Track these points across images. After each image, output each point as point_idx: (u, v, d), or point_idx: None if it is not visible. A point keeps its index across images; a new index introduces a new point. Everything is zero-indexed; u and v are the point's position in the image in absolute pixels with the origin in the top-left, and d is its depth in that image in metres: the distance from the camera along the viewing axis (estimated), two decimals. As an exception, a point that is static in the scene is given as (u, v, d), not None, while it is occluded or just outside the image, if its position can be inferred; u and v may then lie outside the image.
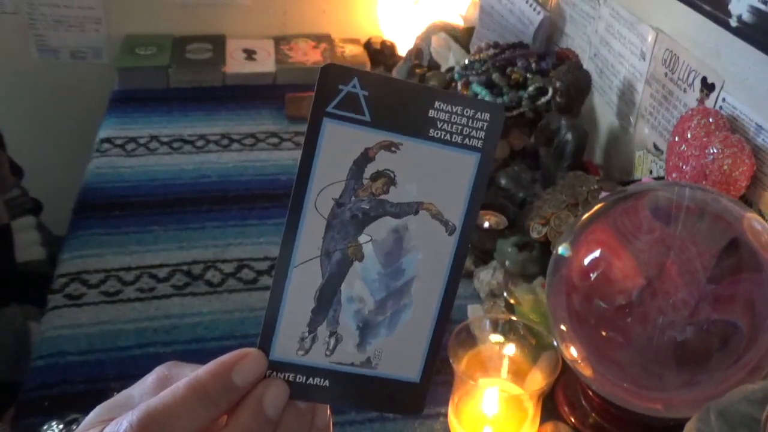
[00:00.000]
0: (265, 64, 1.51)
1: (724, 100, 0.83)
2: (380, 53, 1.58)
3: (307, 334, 0.36)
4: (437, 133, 0.35)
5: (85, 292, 0.93)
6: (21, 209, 1.30)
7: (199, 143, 1.28)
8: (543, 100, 1.07)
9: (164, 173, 1.19)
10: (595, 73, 1.14)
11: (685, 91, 0.91)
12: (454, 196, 0.36)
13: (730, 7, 0.79)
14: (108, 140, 1.27)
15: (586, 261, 0.68)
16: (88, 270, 0.97)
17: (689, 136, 0.80)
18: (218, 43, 1.55)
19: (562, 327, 0.68)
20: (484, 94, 1.10)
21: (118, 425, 0.33)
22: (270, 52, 1.55)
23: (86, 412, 0.36)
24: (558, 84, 1.02)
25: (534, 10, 1.25)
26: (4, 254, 1.11)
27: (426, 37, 1.43)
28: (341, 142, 0.35)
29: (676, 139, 0.83)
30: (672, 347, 0.63)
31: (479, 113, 0.35)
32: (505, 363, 0.75)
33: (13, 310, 1.09)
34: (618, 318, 0.65)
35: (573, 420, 0.75)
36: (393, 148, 0.35)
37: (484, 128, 0.36)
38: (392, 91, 0.35)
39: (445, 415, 0.75)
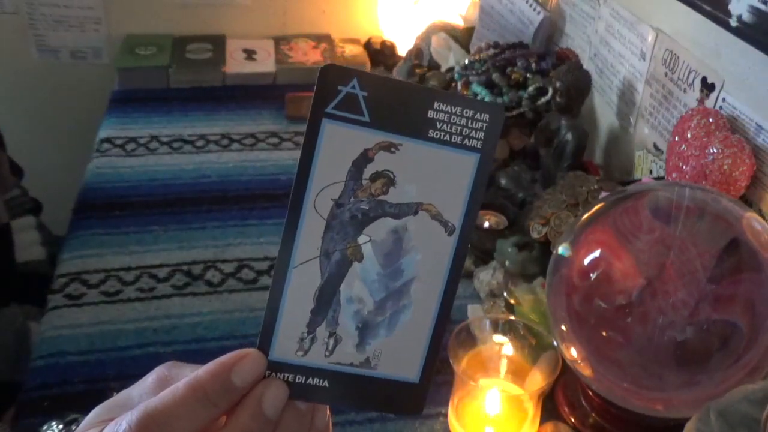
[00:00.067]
0: (265, 64, 1.51)
1: (724, 100, 0.83)
2: (380, 53, 1.58)
3: (306, 334, 0.36)
4: (436, 134, 0.35)
5: (85, 292, 0.93)
6: (21, 209, 1.30)
7: (199, 143, 1.28)
8: (543, 100, 1.07)
9: (164, 173, 1.19)
10: (595, 73, 1.14)
11: (685, 91, 0.91)
12: (454, 197, 0.36)
13: (730, 7, 0.79)
14: (108, 140, 1.27)
15: (586, 261, 0.68)
16: (88, 270, 0.97)
17: (689, 136, 0.80)
18: (218, 43, 1.55)
19: (562, 327, 0.68)
20: (484, 94, 1.10)
21: (117, 425, 0.33)
22: (270, 52, 1.55)
23: (86, 412, 0.36)
24: (558, 84, 1.02)
25: (534, 10, 1.25)
26: (4, 254, 1.11)
27: (426, 37, 1.43)
28: (340, 143, 0.35)
29: (676, 139, 0.83)
30: (672, 347, 0.63)
31: (479, 114, 0.35)
32: (505, 363, 0.75)
33: (13, 310, 1.09)
34: (618, 318, 0.65)
35: (573, 420, 0.75)
36: (392, 149, 0.35)
37: (484, 129, 0.36)
38: (391, 92, 0.35)
39: (445, 415, 0.75)
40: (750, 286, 0.63)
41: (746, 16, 0.77)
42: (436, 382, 0.77)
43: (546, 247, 0.87)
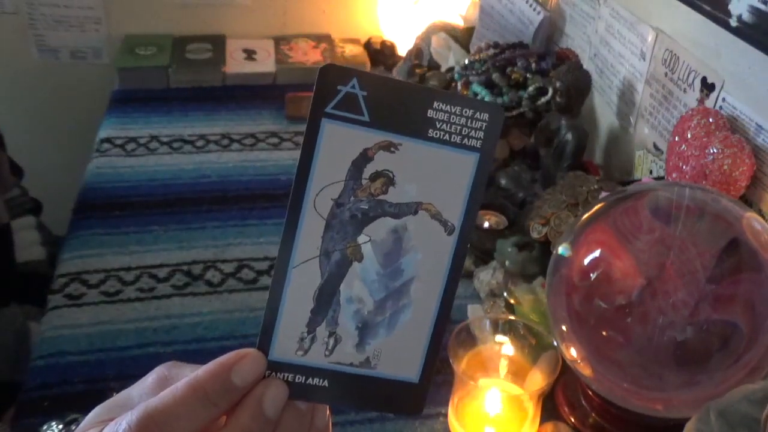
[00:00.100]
0: (265, 64, 1.51)
1: (724, 100, 0.83)
2: (380, 53, 1.58)
3: (306, 334, 0.36)
4: (436, 134, 0.35)
5: (85, 292, 0.93)
6: (21, 209, 1.30)
7: (199, 143, 1.28)
8: (543, 100, 1.07)
9: (164, 173, 1.19)
10: (595, 73, 1.14)
11: (685, 91, 0.91)
12: (454, 197, 0.36)
13: (730, 7, 0.79)
14: (108, 140, 1.27)
15: (586, 261, 0.68)
16: (88, 270, 0.97)
17: (689, 136, 0.80)
18: (218, 43, 1.55)
19: (562, 327, 0.68)
20: (484, 94, 1.10)
21: (117, 425, 0.33)
22: (270, 52, 1.55)
23: (86, 412, 0.36)
24: (558, 84, 1.02)
25: (534, 10, 1.25)
26: (4, 254, 1.11)
27: (426, 37, 1.43)
28: (340, 143, 0.35)
29: (676, 139, 0.83)
30: (672, 347, 0.63)
31: (478, 113, 0.35)
32: (505, 363, 0.75)
33: (13, 310, 1.10)
34: (618, 318, 0.65)
35: (573, 420, 0.75)
36: (392, 149, 0.35)
37: (483, 128, 0.36)
38: (391, 92, 0.35)
39: (445, 415, 0.75)
40: (750, 286, 0.63)
41: (746, 16, 0.77)
42: (436, 382, 0.77)
43: (546, 247, 0.87)
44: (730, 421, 0.47)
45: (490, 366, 0.75)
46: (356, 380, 0.37)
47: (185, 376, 0.34)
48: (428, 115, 0.35)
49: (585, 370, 0.67)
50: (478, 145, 0.36)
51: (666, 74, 0.95)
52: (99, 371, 0.82)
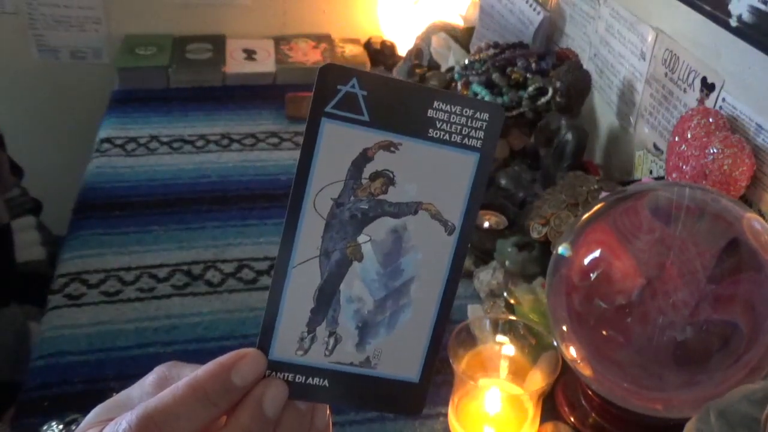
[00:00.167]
0: (265, 64, 1.51)
1: (724, 100, 0.83)
2: (380, 53, 1.58)
3: (306, 334, 0.36)
4: (436, 133, 0.35)
5: (85, 292, 0.93)
6: (21, 209, 1.30)
7: (199, 143, 1.28)
8: (543, 100, 1.07)
9: (164, 173, 1.19)
10: (595, 73, 1.14)
11: (685, 91, 0.91)
12: (454, 196, 0.36)
13: (730, 7, 0.79)
14: (108, 140, 1.27)
15: (586, 261, 0.68)
16: (88, 270, 0.97)
17: (689, 136, 0.80)
18: (218, 43, 1.55)
19: (562, 327, 0.68)
20: (484, 94, 1.10)
21: (117, 425, 0.33)
22: (270, 52, 1.55)
23: (86, 412, 0.36)
24: (558, 84, 1.02)
25: (534, 10, 1.25)
26: (4, 254, 1.11)
27: (426, 37, 1.43)
28: (340, 142, 0.35)
29: (676, 139, 0.83)
30: (672, 347, 0.63)
31: (478, 113, 0.35)
32: (505, 363, 0.75)
33: (13, 310, 1.09)
34: (618, 318, 0.65)
35: (573, 420, 0.75)
36: (392, 148, 0.35)
37: (484, 128, 0.36)
38: (391, 91, 0.35)
39: (445, 415, 0.75)
40: (750, 286, 0.63)
41: (746, 16, 0.77)
42: (436, 382, 0.77)
43: (546, 247, 0.87)
44: (730, 421, 0.47)
45: (490, 366, 0.75)
46: (356, 380, 0.37)
47: (185, 376, 0.34)
48: (428, 114, 0.35)
49: (585, 370, 0.67)
50: (478, 145, 0.36)
51: (666, 74, 0.95)
52: (99, 371, 0.82)
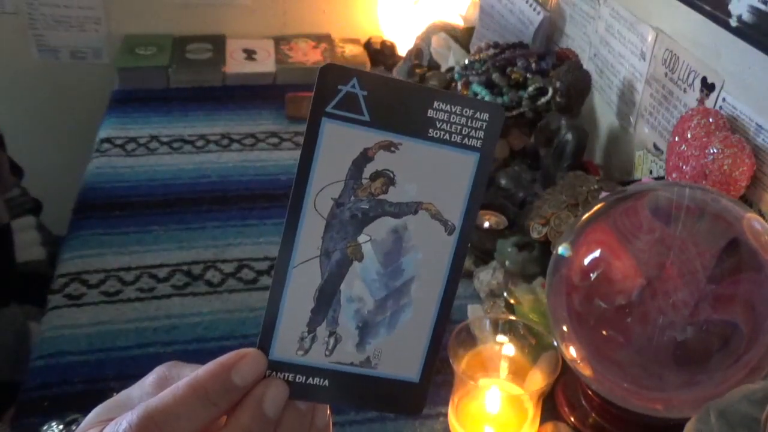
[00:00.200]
0: (265, 64, 1.51)
1: (724, 100, 0.83)
2: (380, 53, 1.58)
3: (306, 333, 0.36)
4: (436, 133, 0.35)
5: (85, 292, 0.93)
6: (21, 209, 1.30)
7: (199, 143, 1.28)
8: (543, 100, 1.07)
9: (164, 173, 1.19)
10: (595, 73, 1.14)
11: (685, 91, 0.91)
12: (454, 196, 0.36)
13: (730, 7, 0.79)
14: (108, 140, 1.27)
15: (586, 261, 0.68)
16: (88, 270, 0.97)
17: (689, 136, 0.80)
18: (218, 43, 1.55)
19: (562, 327, 0.68)
20: (484, 94, 1.10)
21: (117, 425, 0.33)
22: (270, 52, 1.55)
23: (86, 412, 0.36)
24: (558, 84, 1.02)
25: (534, 10, 1.25)
26: (4, 254, 1.11)
27: (426, 37, 1.43)
28: (340, 142, 0.35)
29: (676, 139, 0.83)
30: (672, 347, 0.63)
31: (478, 113, 0.35)
32: (505, 363, 0.75)
33: (13, 310, 1.09)
34: (618, 318, 0.65)
35: (573, 420, 0.75)
36: (392, 148, 0.35)
37: (484, 128, 0.36)
38: (391, 91, 0.35)
39: (445, 415, 0.75)
40: (750, 286, 0.63)
41: (746, 16, 0.77)
42: (436, 382, 0.77)
43: (546, 247, 0.87)
44: (730, 421, 0.47)
45: (490, 366, 0.75)
46: (357, 380, 0.37)
47: (185, 376, 0.34)
48: (428, 114, 0.35)
49: (585, 370, 0.67)
50: (478, 145, 0.36)
51: (666, 74, 0.95)
52: (99, 371, 0.82)
